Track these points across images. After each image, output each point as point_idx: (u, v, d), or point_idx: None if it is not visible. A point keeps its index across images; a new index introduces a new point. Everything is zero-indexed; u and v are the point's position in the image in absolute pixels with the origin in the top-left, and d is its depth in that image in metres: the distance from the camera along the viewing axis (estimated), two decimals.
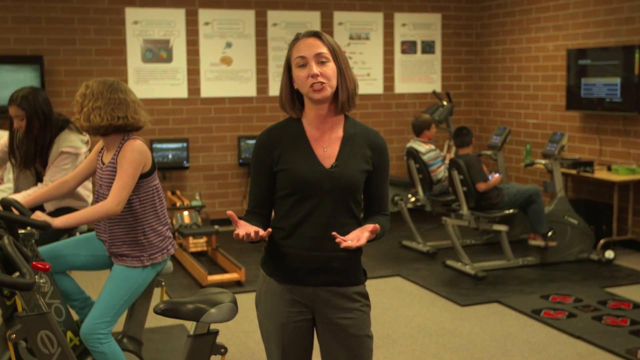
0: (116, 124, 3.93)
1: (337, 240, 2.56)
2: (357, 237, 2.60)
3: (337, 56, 2.73)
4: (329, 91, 2.69)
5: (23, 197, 4.39)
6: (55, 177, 4.61)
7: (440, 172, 7.75)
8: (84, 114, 3.95)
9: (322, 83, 2.67)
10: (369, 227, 2.62)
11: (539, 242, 7.24)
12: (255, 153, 2.84)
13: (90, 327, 3.83)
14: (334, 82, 2.70)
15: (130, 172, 3.85)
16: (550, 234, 7.21)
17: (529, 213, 7.27)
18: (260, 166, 2.81)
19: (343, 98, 2.74)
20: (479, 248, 8.05)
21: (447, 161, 7.73)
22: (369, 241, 2.72)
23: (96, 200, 4.07)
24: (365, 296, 2.87)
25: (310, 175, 2.72)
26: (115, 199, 3.81)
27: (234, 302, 3.19)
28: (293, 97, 2.81)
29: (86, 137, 4.82)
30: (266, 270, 2.87)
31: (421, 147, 7.81)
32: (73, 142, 4.73)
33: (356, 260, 2.84)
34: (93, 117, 3.93)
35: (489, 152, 8.33)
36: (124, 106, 3.97)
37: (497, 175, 7.17)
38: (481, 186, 6.96)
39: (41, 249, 4.05)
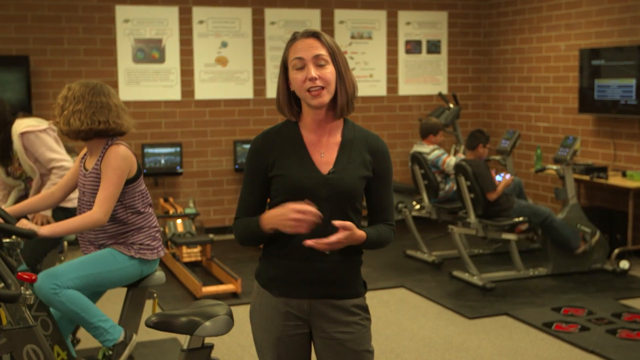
0: (97, 129, 3.99)
1: (307, 243, 2.61)
2: (328, 239, 2.62)
3: (337, 58, 2.73)
4: (327, 97, 2.70)
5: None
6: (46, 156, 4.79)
7: (451, 159, 7.73)
8: (64, 117, 4.01)
9: (321, 88, 2.68)
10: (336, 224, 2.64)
11: (585, 247, 7.26)
12: (249, 158, 2.85)
13: (45, 279, 3.85)
14: (332, 87, 2.70)
15: (115, 180, 3.92)
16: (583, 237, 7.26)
17: (554, 239, 7.19)
18: (254, 172, 2.82)
19: (342, 102, 2.75)
20: (487, 258, 8.06)
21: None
22: (363, 247, 2.75)
23: (79, 207, 4.11)
24: (365, 309, 2.87)
25: (306, 181, 2.73)
26: (102, 209, 3.88)
27: (230, 314, 3.20)
28: (290, 99, 2.81)
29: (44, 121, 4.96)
30: (260, 282, 2.87)
31: (424, 147, 7.85)
32: (27, 123, 4.86)
33: (355, 271, 2.85)
34: (73, 120, 3.98)
35: (497, 157, 8.34)
36: (105, 110, 4.03)
37: (507, 176, 7.18)
38: (492, 196, 6.98)
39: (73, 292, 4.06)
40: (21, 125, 4.85)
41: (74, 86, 4.08)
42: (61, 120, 4.03)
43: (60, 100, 4.07)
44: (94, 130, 3.99)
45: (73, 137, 4.07)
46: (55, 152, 4.83)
